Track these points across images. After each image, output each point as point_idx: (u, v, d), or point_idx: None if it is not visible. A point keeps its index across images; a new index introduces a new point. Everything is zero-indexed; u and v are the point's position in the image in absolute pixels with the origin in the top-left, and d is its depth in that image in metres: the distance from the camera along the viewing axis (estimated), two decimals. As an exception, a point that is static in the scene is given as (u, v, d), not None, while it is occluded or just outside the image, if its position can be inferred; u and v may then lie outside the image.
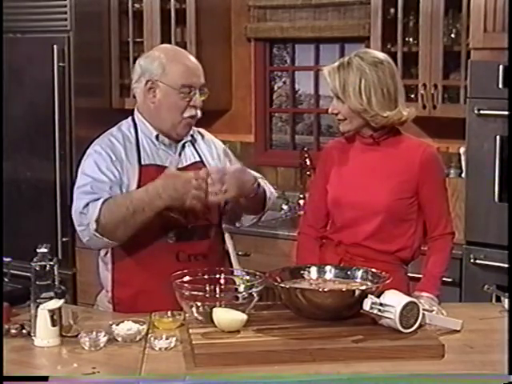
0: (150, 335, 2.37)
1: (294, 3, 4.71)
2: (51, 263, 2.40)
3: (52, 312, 2.35)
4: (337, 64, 2.74)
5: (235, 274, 2.64)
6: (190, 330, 2.34)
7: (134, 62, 2.87)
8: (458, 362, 2.26)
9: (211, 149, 2.94)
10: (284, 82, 5.00)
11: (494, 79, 3.57)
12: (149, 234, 2.70)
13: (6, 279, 2.75)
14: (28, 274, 2.41)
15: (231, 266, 2.91)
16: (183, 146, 2.85)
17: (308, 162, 4.64)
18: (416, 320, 2.34)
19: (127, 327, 2.39)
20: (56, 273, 2.41)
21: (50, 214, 4.68)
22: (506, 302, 2.63)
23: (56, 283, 2.41)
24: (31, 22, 4.73)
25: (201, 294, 2.41)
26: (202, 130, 2.97)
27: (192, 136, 2.88)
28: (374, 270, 2.53)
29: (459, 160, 4.07)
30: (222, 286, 2.52)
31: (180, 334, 2.40)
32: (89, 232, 2.66)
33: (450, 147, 4.20)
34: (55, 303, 2.36)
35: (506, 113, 3.50)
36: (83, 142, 2.95)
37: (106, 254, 2.82)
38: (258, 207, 2.87)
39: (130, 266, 2.77)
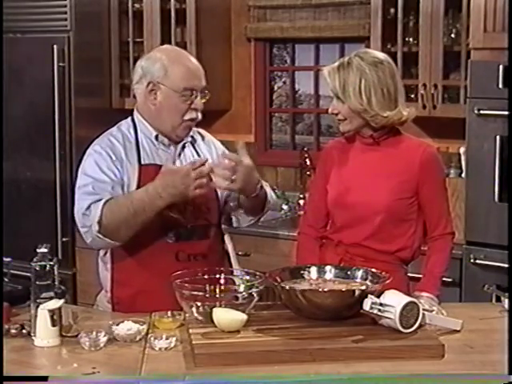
0: (150, 335, 2.37)
1: (293, 3, 4.71)
2: (51, 263, 2.40)
3: (52, 312, 2.35)
4: (337, 64, 2.74)
5: (235, 274, 2.64)
6: (190, 330, 2.34)
7: (134, 62, 2.87)
8: (458, 362, 2.26)
9: (211, 149, 2.94)
10: (284, 82, 5.00)
11: (494, 79, 3.57)
12: (148, 234, 2.70)
13: (6, 279, 2.75)
14: (28, 274, 2.41)
15: (231, 266, 2.91)
16: (183, 147, 2.85)
17: (308, 162, 4.64)
18: (416, 320, 2.34)
19: (127, 327, 2.39)
20: (56, 273, 2.41)
21: (49, 214, 4.68)
22: (506, 301, 2.63)
23: (56, 283, 2.41)
24: (31, 22, 4.73)
25: (201, 293, 2.41)
26: (201, 131, 2.97)
27: (192, 137, 2.88)
28: (373, 270, 2.53)
29: (459, 160, 4.07)
30: (222, 286, 2.51)
31: (180, 333, 2.40)
32: (92, 233, 2.66)
33: (450, 147, 4.20)
34: (55, 303, 2.36)
35: (506, 113, 3.50)
36: (83, 142, 2.95)
37: (106, 253, 2.82)
38: (257, 208, 2.87)
39: (130, 266, 2.77)
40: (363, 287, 2.42)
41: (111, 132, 2.83)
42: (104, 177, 2.69)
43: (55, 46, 4.59)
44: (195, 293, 2.39)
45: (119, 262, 2.79)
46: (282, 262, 3.36)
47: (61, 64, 4.61)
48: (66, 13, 4.65)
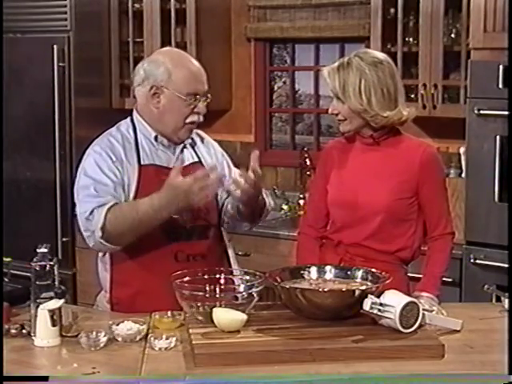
0: (150, 335, 2.37)
1: (293, 3, 4.71)
2: (51, 263, 2.40)
3: (52, 312, 2.35)
4: (336, 64, 2.74)
5: (235, 273, 2.64)
6: (190, 330, 2.34)
7: (134, 62, 2.88)
8: (458, 362, 2.26)
9: (209, 150, 2.95)
10: (284, 82, 5.00)
11: (494, 79, 3.57)
12: (148, 235, 2.70)
13: (6, 279, 2.75)
14: (28, 274, 2.41)
15: (230, 266, 2.91)
16: (182, 148, 2.85)
17: (308, 162, 4.64)
18: (416, 320, 2.34)
19: (127, 327, 2.39)
20: (56, 273, 2.41)
21: (50, 214, 4.69)
22: (506, 301, 2.63)
23: (56, 283, 2.41)
24: (31, 22, 4.73)
25: (201, 293, 2.41)
26: (200, 132, 2.97)
27: (192, 139, 2.88)
28: (373, 270, 2.53)
29: (459, 160, 4.07)
30: (222, 286, 2.52)
31: (180, 333, 2.40)
32: (94, 238, 2.66)
33: (450, 147, 4.20)
34: (55, 303, 2.36)
35: (506, 113, 3.50)
36: (83, 142, 2.95)
37: (105, 254, 2.82)
38: (255, 215, 2.87)
39: (129, 267, 2.76)
40: (363, 287, 2.42)
41: (110, 132, 2.83)
42: (105, 178, 2.69)
43: (55, 46, 4.59)
44: (195, 293, 2.39)
45: (118, 263, 2.78)
46: (281, 262, 3.36)
47: (61, 64, 4.61)
48: (66, 13, 4.65)
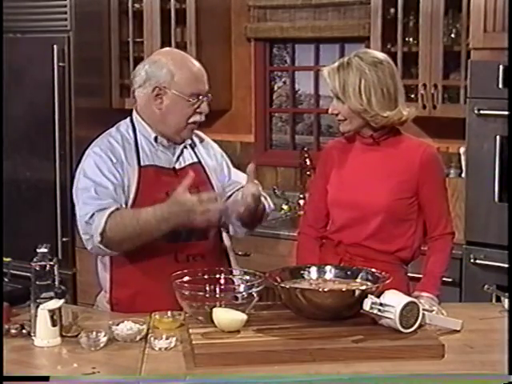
0: (150, 335, 2.37)
1: (293, 3, 4.71)
2: (51, 263, 2.40)
3: (52, 312, 2.35)
4: (336, 64, 2.74)
5: (234, 273, 2.64)
6: (190, 330, 2.34)
7: (134, 62, 2.88)
8: (458, 362, 2.26)
9: (209, 151, 2.95)
10: (284, 82, 5.00)
11: (494, 79, 3.57)
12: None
13: (6, 279, 2.75)
14: (28, 274, 2.41)
15: (230, 266, 2.91)
16: (182, 149, 2.85)
17: (308, 162, 4.63)
18: (416, 320, 2.34)
19: (127, 327, 2.39)
20: (56, 273, 2.41)
21: (50, 214, 4.68)
22: (506, 301, 2.63)
23: (56, 283, 2.41)
24: (31, 22, 4.73)
25: (201, 293, 2.41)
26: (199, 133, 2.97)
27: (191, 139, 2.88)
28: (373, 270, 2.53)
29: (459, 160, 4.07)
30: (222, 286, 2.52)
31: (180, 333, 2.40)
32: (93, 242, 2.66)
33: (450, 147, 4.19)
34: (55, 303, 2.36)
35: (506, 113, 3.50)
36: (83, 142, 2.95)
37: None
38: (255, 220, 2.87)
39: (128, 267, 2.76)
40: (363, 287, 2.42)
41: (110, 133, 2.82)
42: (105, 181, 2.69)
43: (55, 46, 4.59)
44: (195, 293, 2.39)
45: (118, 263, 2.78)
46: (281, 262, 3.36)
47: (61, 64, 4.61)
48: (66, 13, 4.65)
